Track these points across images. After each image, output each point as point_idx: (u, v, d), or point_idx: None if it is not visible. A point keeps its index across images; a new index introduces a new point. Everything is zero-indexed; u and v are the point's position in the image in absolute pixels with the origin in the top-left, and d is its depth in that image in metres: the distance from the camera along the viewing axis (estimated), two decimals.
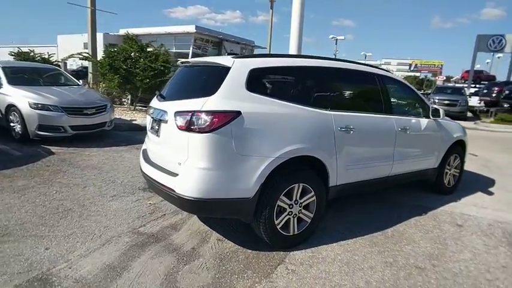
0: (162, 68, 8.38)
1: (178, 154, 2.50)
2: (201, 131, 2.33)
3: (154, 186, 2.81)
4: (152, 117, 2.95)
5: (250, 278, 2.35)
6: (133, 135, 6.98)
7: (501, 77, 30.06)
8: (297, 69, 2.85)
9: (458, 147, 4.36)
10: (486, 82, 28.31)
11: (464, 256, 2.81)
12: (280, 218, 2.67)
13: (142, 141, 6.39)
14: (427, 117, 3.87)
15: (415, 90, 3.97)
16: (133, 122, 7.79)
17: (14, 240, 2.62)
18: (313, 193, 2.80)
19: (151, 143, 3.01)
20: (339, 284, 2.33)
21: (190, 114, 2.39)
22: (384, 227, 3.28)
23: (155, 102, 3.01)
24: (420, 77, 64.93)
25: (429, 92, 22.83)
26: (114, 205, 3.42)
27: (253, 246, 2.76)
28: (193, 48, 19.61)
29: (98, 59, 9.10)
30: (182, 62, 3.13)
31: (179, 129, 2.46)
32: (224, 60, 2.65)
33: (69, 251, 2.52)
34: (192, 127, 2.36)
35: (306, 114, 2.75)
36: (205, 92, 2.54)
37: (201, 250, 2.69)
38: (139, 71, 7.98)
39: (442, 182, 4.27)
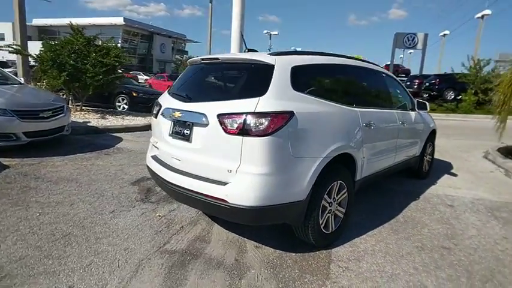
0: (116, 64, 7.48)
1: (227, 161, 2.28)
2: (259, 134, 2.15)
3: (186, 197, 2.52)
4: (176, 120, 2.63)
5: (313, 281, 2.29)
6: (93, 139, 6.16)
7: (414, 70, 34.54)
8: (331, 67, 2.83)
9: (432, 136, 4.89)
10: (403, 75, 32.39)
11: (471, 232, 3.17)
12: (323, 217, 2.65)
13: (107, 146, 5.80)
14: (413, 109, 4.25)
15: (403, 85, 4.32)
16: (88, 124, 6.84)
17: (22, 284, 2.08)
18: (346, 189, 2.85)
19: (174, 149, 2.67)
20: (394, 274, 2.42)
21: (243, 116, 2.18)
22: (394, 215, 3.51)
23: (176, 103, 2.68)
24: None
25: None
26: (120, 222, 2.97)
27: (292, 249, 2.69)
28: (121, 41, 18.09)
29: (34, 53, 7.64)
30: (203, 59, 2.84)
31: (228, 133, 2.23)
32: (263, 57, 2.49)
33: (101, 286, 2.11)
34: (247, 130, 2.17)
35: (341, 112, 2.76)
36: (249, 91, 2.36)
37: (246, 260, 2.52)
38: (89, 67, 6.97)
39: (421, 168, 4.75)
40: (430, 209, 3.72)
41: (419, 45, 25.79)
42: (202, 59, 2.84)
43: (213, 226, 3.04)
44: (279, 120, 2.18)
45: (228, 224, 3.03)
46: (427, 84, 19.38)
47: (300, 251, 2.68)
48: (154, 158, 2.99)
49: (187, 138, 2.54)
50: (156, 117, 2.98)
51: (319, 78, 2.81)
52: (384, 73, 3.66)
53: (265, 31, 41.77)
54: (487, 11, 24.82)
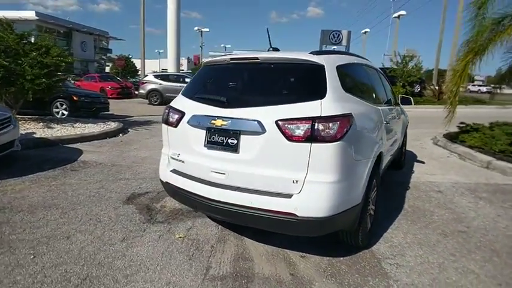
0: (62, 64, 6.35)
1: (291, 170, 2.09)
2: (329, 139, 2.01)
3: (237, 214, 2.25)
4: (215, 129, 2.32)
5: (379, 284, 2.25)
6: (47, 153, 5.18)
7: None
8: (358, 66, 2.82)
9: (406, 129, 5.32)
10: None
11: (471, 214, 3.52)
12: (367, 217, 2.65)
13: (68, 160, 5.10)
14: (398, 104, 4.55)
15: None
16: (35, 135, 5.70)
17: None
18: (376, 187, 2.89)
19: (212, 161, 2.35)
20: (440, 263, 2.52)
21: (310, 121, 2.02)
22: (399, 206, 3.69)
23: (213, 109, 2.36)
24: None
25: None
26: (142, 252, 2.53)
27: (334, 254, 2.62)
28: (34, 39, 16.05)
29: None
30: (234, 59, 2.55)
31: (293, 140, 2.04)
32: (308, 56, 2.34)
33: None
34: (316, 136, 2.01)
35: (374, 111, 2.78)
36: (305, 94, 2.21)
37: (302, 273, 2.36)
38: (27, 68, 5.77)
39: (401, 158, 5.14)
40: (425, 197, 4.02)
41: (344, 42, 27.61)
42: (232, 59, 2.56)
43: (244, 240, 2.80)
44: (345, 124, 2.08)
45: (257, 236, 2.82)
46: None
47: (343, 254, 2.63)
48: (177, 172, 2.61)
49: (233, 148, 2.26)
50: (175, 126, 2.60)
51: (354, 78, 2.78)
52: (377, 70, 3.82)
53: (196, 28, 40.90)
54: (403, 12, 28.17)
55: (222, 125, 2.27)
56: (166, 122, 2.69)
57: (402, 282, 2.28)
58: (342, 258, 2.57)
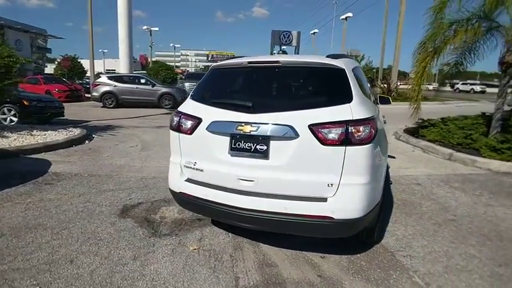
0: (16, 65, 5.59)
1: (325, 174, 2.11)
2: (362, 142, 2.07)
3: (269, 221, 2.22)
4: (242, 135, 2.25)
5: (401, 276, 2.37)
6: (8, 165, 4.58)
7: None
8: (360, 68, 2.93)
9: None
10: None
11: (454, 203, 3.86)
12: None
13: (38, 173, 4.68)
14: (377, 103, 4.83)
15: None
16: None
17: None
18: None
19: (239, 168, 2.28)
20: (445, 251, 2.73)
21: (343, 125, 2.05)
22: (389, 200, 3.92)
23: (237, 114, 2.28)
24: None
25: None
26: (160, 269, 2.35)
27: (350, 251, 2.70)
28: None
29: None
30: (252, 62, 2.47)
31: (327, 144, 2.06)
32: (328, 60, 2.38)
33: None
34: (350, 140, 2.05)
35: (379, 111, 2.91)
36: (332, 97, 2.27)
37: (329, 274, 2.39)
38: None
39: None
40: (408, 190, 4.33)
41: (294, 42, 28.31)
42: (250, 62, 2.49)
43: (259, 246, 2.76)
44: (374, 126, 2.15)
45: (270, 240, 2.78)
46: None
47: (359, 251, 2.71)
48: (194, 182, 2.48)
49: (263, 154, 2.21)
50: (190, 133, 2.46)
51: (361, 80, 2.88)
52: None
53: (144, 27, 39.20)
54: (350, 14, 29.87)
55: (251, 131, 2.20)
56: (177, 129, 2.54)
57: (421, 272, 2.43)
58: (359, 255, 2.66)
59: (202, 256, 2.57)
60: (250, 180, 2.24)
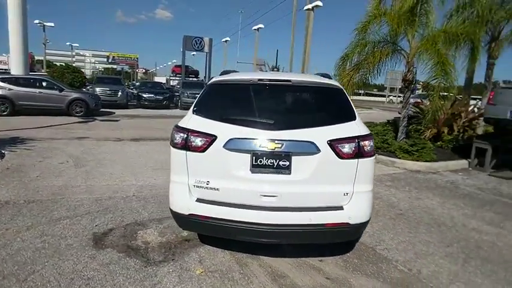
0: None
1: (342, 185, 2.36)
2: (370, 154, 2.39)
3: (291, 234, 2.36)
4: (265, 152, 2.31)
5: (388, 266, 2.78)
6: None
7: (201, 72, 37.76)
8: None
9: None
10: (192, 75, 35.45)
11: (394, 199, 4.59)
12: None
13: None
14: None
15: None
16: None
17: None
18: None
19: (261, 185, 2.35)
20: (408, 240, 3.29)
21: (355, 140, 2.32)
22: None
23: (258, 132, 2.33)
24: (117, 69, 70.09)
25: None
26: None
27: (342, 251, 2.98)
28: None
29: None
30: (261, 80, 2.51)
31: (343, 158, 2.30)
32: (328, 80, 2.65)
33: None
34: (362, 153, 2.33)
35: None
36: (339, 115, 2.53)
37: (336, 276, 2.63)
38: None
39: None
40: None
41: (206, 49, 28.46)
42: (261, 80, 2.55)
43: (261, 259, 2.82)
44: (372, 141, 2.48)
45: (266, 251, 2.84)
46: None
47: (347, 250, 3.03)
48: (208, 201, 2.40)
49: (285, 170, 2.31)
50: (202, 151, 2.38)
51: None
52: None
53: (36, 21, 33.52)
54: (261, 25, 31.50)
55: (275, 147, 2.28)
56: (185, 146, 2.41)
57: (401, 261, 2.89)
58: (349, 254, 2.99)
59: (213, 278, 2.49)
60: (274, 196, 2.32)
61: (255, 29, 32.02)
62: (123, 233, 3.15)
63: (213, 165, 2.39)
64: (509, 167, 6.29)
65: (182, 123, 2.55)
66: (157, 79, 44.70)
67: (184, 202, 2.46)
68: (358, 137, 2.37)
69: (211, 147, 2.36)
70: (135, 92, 20.33)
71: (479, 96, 10.17)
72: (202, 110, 2.57)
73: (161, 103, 17.76)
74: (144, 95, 17.82)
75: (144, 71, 78.59)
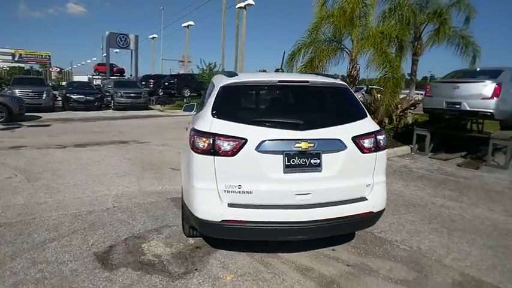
0: None
1: (364, 177, 2.55)
2: (384, 148, 2.60)
3: (322, 228, 2.45)
4: (296, 152, 2.36)
5: (390, 247, 3.08)
6: None
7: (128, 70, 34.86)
8: None
9: None
10: (118, 74, 33.20)
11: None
12: None
13: None
14: None
15: None
16: None
17: None
18: None
19: (295, 184, 2.39)
20: (397, 221, 3.68)
21: (373, 135, 2.53)
22: None
23: (288, 132, 2.37)
24: (25, 68, 62.16)
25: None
26: None
27: (345, 240, 3.17)
28: None
29: None
30: (281, 81, 2.54)
31: (365, 152, 2.49)
32: (337, 79, 2.79)
33: None
34: (379, 147, 2.55)
35: None
36: (353, 112, 2.70)
37: (353, 261, 2.81)
38: None
39: None
40: None
41: (132, 46, 27.13)
42: (281, 81, 2.58)
43: (280, 256, 2.86)
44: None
45: (281, 249, 2.90)
46: (166, 83, 21.83)
47: (350, 237, 3.22)
48: (241, 205, 2.35)
49: (318, 167, 2.41)
50: (232, 155, 2.31)
51: None
52: None
53: None
54: (191, 22, 30.64)
55: (308, 147, 2.34)
56: (213, 151, 2.32)
57: (399, 240, 3.24)
58: (354, 241, 3.22)
59: (247, 282, 2.47)
60: (307, 194, 2.39)
61: (184, 26, 31.06)
62: (126, 248, 2.88)
63: (245, 168, 2.35)
64: (444, 150, 7.38)
65: (202, 127, 2.43)
66: (76, 78, 40.31)
67: (214, 209, 2.36)
68: (374, 132, 2.58)
69: (241, 150, 2.32)
70: (57, 93, 18.25)
71: (406, 91, 11.60)
72: (223, 113, 2.48)
73: (92, 104, 16.08)
74: (73, 96, 15.89)
75: (58, 70, 70.15)
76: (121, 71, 34.86)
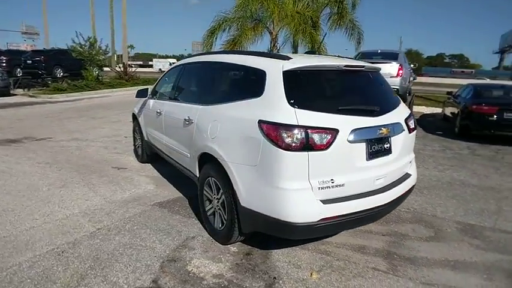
0: None
1: (409, 155, 2.86)
2: (415, 129, 2.92)
3: (388, 210, 2.64)
4: (373, 139, 2.41)
5: (418, 213, 3.56)
6: None
7: None
8: None
9: None
10: None
11: None
12: None
13: None
14: None
15: None
16: None
17: None
18: None
19: (375, 170, 2.44)
20: None
21: (412, 118, 2.86)
22: None
23: (367, 119, 2.39)
24: None
25: None
26: None
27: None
28: None
29: None
30: (347, 66, 2.42)
31: (410, 132, 2.77)
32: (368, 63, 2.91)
33: None
34: (415, 127, 2.90)
35: None
36: (393, 97, 2.87)
37: (367, 245, 3.10)
38: None
39: None
40: None
41: None
42: (347, 66, 2.50)
43: (331, 242, 2.87)
44: None
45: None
46: (30, 62, 17.15)
47: None
48: (335, 200, 2.25)
49: (389, 151, 2.55)
50: (326, 148, 2.14)
51: None
52: None
53: None
54: None
55: (388, 132, 2.42)
56: (306, 146, 2.08)
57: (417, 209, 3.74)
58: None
59: (330, 275, 2.43)
60: (383, 178, 2.49)
61: None
62: (174, 278, 2.34)
63: (337, 160, 2.24)
64: None
65: (284, 120, 2.12)
66: None
67: (311, 209, 2.17)
68: (411, 115, 2.87)
69: (334, 142, 2.18)
70: None
71: None
72: (303, 102, 2.21)
73: None
74: None
75: None
76: None
